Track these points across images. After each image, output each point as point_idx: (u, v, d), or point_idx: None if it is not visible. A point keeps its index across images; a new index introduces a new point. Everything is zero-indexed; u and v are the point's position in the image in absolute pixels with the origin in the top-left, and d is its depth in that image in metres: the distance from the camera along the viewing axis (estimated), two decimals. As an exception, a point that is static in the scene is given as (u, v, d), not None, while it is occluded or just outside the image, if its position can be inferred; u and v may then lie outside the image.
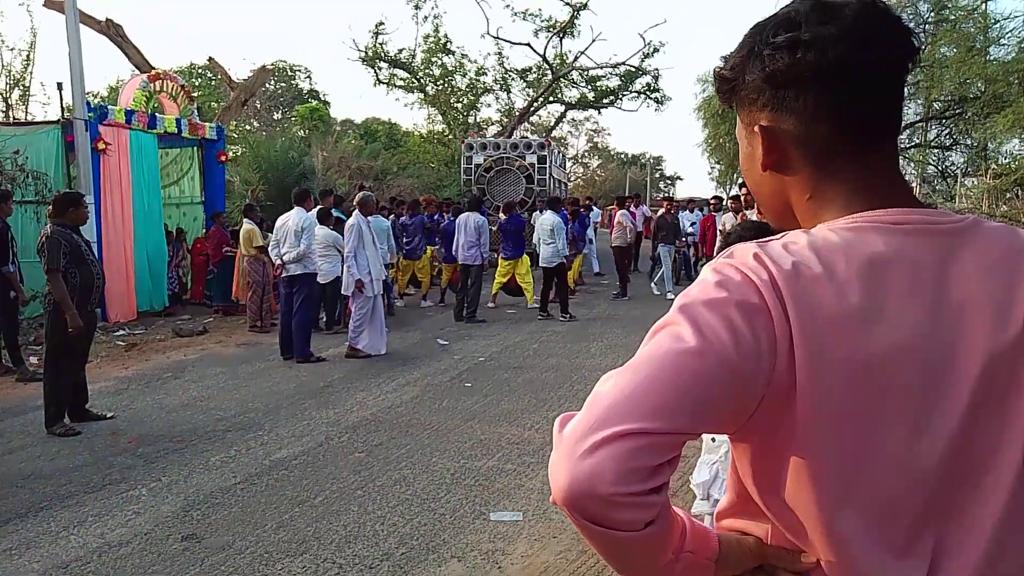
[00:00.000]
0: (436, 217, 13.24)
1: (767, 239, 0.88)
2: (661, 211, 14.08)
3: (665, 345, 0.82)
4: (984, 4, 18.93)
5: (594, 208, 18.44)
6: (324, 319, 9.92)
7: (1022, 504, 0.85)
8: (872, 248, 0.84)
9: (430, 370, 7.74)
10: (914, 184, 22.25)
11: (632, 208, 15.44)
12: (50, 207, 5.85)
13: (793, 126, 0.90)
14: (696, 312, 0.82)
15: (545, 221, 11.20)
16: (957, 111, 20.76)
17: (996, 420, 0.84)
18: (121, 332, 9.83)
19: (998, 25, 18.56)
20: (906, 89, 0.93)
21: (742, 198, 10.41)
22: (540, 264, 11.24)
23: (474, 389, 6.94)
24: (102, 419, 5.94)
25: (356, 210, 8.32)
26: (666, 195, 18.91)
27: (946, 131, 23.14)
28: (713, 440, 3.30)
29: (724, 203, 13.73)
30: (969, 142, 22.09)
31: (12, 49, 17.71)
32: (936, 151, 23.75)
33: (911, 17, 19.51)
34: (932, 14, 19.66)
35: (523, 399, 6.57)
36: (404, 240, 12.11)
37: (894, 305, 0.82)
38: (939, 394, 0.82)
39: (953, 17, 18.94)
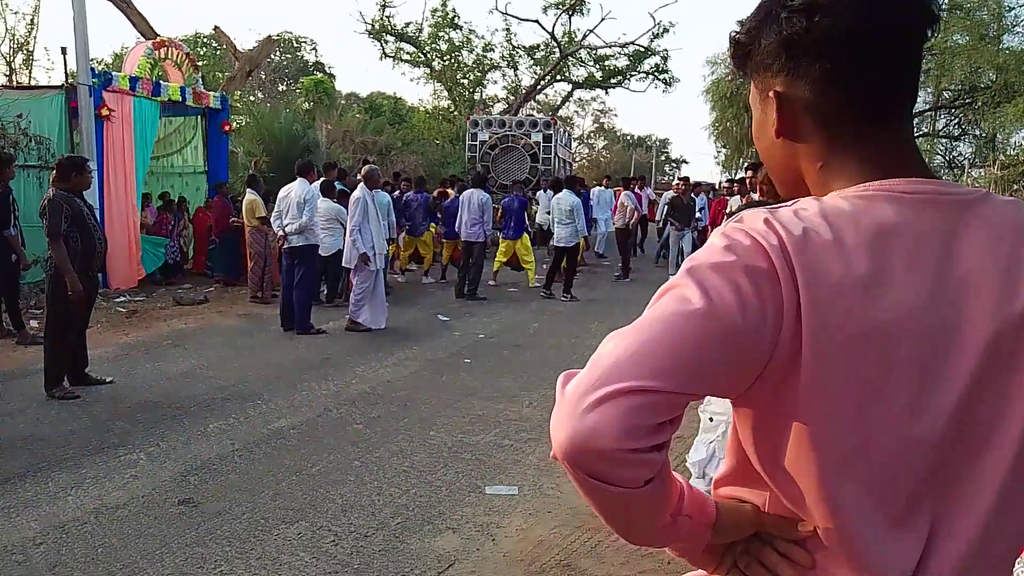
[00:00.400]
0: (442, 202, 13.11)
1: (778, 205, 0.88)
2: (671, 193, 14.05)
3: (670, 306, 0.82)
4: (999, -9, 18.72)
5: (606, 190, 17.88)
6: (325, 292, 9.92)
7: (1021, 482, 0.85)
8: (881, 217, 0.83)
9: (430, 346, 7.75)
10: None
11: (636, 190, 15.42)
12: (54, 172, 5.83)
13: (807, 93, 0.89)
14: (703, 275, 0.82)
15: (563, 201, 11.12)
16: (967, 100, 20.62)
17: (998, 396, 0.84)
18: (122, 299, 9.84)
19: (1012, 13, 18.39)
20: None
21: (747, 181, 10.38)
22: (555, 244, 11.15)
23: (474, 366, 6.95)
24: (101, 384, 5.96)
25: (361, 183, 8.28)
26: (681, 176, 17.77)
27: (955, 120, 23.01)
28: (711, 420, 3.31)
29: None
30: (978, 132, 21.97)
31: (16, 13, 17.52)
32: (944, 140, 23.62)
33: (924, 3, 19.33)
34: (946, 1, 19.46)
35: (522, 377, 6.58)
36: (407, 216, 12.07)
37: (899, 275, 0.81)
38: (941, 367, 0.82)
39: (966, 4, 18.74)
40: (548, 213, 14.47)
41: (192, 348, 7.42)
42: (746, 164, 9.43)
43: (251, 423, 5.20)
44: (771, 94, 0.92)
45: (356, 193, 8.24)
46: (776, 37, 0.89)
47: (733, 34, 0.96)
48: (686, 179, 14.49)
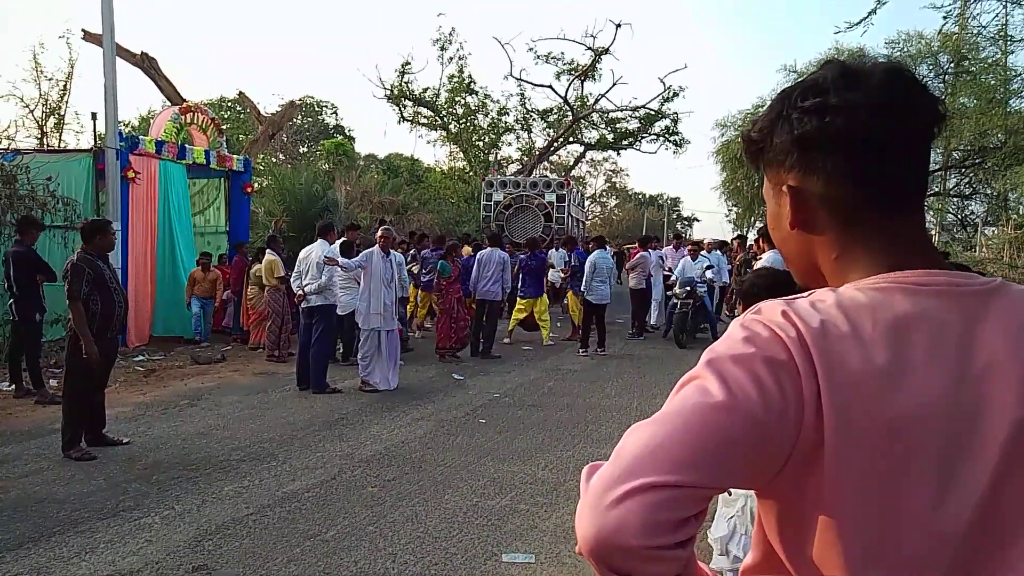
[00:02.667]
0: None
1: (794, 296, 0.89)
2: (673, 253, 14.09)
3: (692, 399, 0.82)
4: (1005, 57, 18.98)
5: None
6: (341, 351, 9.93)
7: None
8: (898, 309, 0.84)
9: (444, 405, 7.70)
10: (933, 233, 22.16)
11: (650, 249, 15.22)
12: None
13: (820, 187, 0.91)
14: (723, 367, 0.82)
15: (604, 260, 11.24)
16: (977, 161, 20.70)
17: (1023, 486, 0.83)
18: (140, 357, 9.88)
19: (1019, 78, 18.57)
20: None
21: (758, 243, 10.40)
22: (594, 302, 11.08)
23: (488, 426, 6.88)
24: (118, 444, 5.94)
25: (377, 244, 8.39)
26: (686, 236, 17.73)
27: (965, 180, 23.06)
28: (729, 493, 3.23)
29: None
30: (989, 191, 21.98)
31: (51, 79, 18.03)
32: (955, 200, 23.63)
33: (931, 68, 19.61)
34: (952, 65, 19.73)
35: (537, 437, 6.50)
36: (423, 272, 12.14)
37: (919, 367, 0.82)
38: (964, 458, 0.82)
39: (974, 68, 18.99)
40: (561, 272, 14.54)
41: (208, 407, 7.40)
42: (758, 228, 9.52)
43: (266, 485, 5.13)
44: (784, 188, 0.94)
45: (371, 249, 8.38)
46: (788, 136, 0.92)
47: (746, 132, 0.99)
48: (677, 237, 14.88)
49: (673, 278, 12.36)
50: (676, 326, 11.85)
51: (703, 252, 13.41)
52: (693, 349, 11.35)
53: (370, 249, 8.35)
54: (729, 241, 16.90)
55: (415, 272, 11.93)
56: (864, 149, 0.88)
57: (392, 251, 8.74)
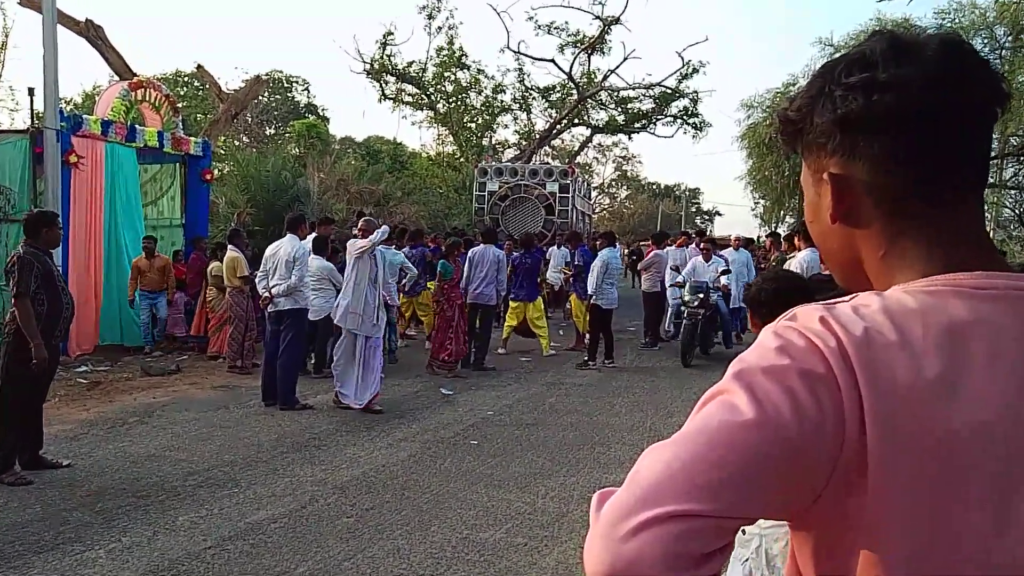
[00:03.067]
0: (436, 248, 13.28)
1: (835, 300, 0.88)
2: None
3: (717, 416, 0.82)
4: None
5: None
6: (313, 361, 9.92)
7: None
8: (952, 315, 0.84)
9: (431, 424, 7.69)
10: (987, 230, 22.16)
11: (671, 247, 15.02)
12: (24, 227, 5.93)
13: (866, 174, 0.91)
14: (753, 380, 0.82)
15: (616, 259, 11.30)
16: (1037, 148, 20.77)
17: None
18: (83, 368, 9.86)
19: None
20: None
21: (795, 239, 10.43)
22: (604, 307, 11.07)
23: (481, 448, 6.88)
24: (57, 467, 5.92)
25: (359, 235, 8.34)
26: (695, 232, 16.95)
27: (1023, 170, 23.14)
28: (743, 532, 3.23)
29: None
30: (1051, 183, 22.05)
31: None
32: (1012, 192, 23.71)
33: (986, 41, 19.66)
34: (1009, 38, 19.79)
35: (536, 461, 6.50)
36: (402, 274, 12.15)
37: (976, 379, 0.81)
38: None
39: (1033, 43, 19.05)
40: (560, 271, 14.57)
41: (161, 425, 7.39)
42: (790, 224, 9.40)
43: (226, 515, 5.13)
44: (825, 176, 0.94)
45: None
46: (831, 115, 0.91)
47: (782, 111, 0.99)
48: (688, 234, 14.62)
49: (679, 279, 12.02)
50: (683, 341, 11.31)
51: (719, 252, 12.97)
52: (714, 364, 11.37)
53: (353, 240, 8.33)
54: (758, 238, 16.87)
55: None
56: (916, 131, 0.87)
57: (390, 248, 8.75)
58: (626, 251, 25.27)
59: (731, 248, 13.56)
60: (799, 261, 8.55)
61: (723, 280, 11.88)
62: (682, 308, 11.67)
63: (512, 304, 11.98)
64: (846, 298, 0.89)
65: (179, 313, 11.81)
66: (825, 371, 0.81)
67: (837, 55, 0.96)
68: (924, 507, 0.81)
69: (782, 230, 20.83)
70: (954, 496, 0.81)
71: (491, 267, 10.75)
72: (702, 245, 12.78)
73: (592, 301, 10.99)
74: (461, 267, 10.72)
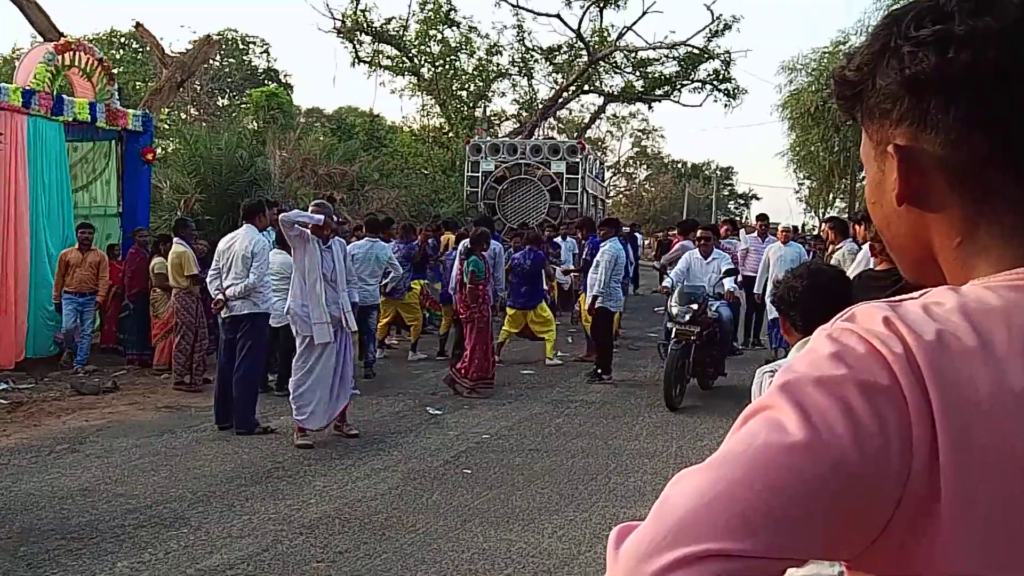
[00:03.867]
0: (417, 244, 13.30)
1: (901, 298, 0.88)
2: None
3: (761, 436, 0.81)
4: None
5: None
6: (276, 376, 9.91)
7: None
8: None
9: (416, 450, 7.69)
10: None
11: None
12: None
13: (940, 147, 0.90)
14: (803, 393, 0.82)
15: (621, 253, 11.40)
16: None
17: None
18: (3, 386, 9.85)
19: None
20: None
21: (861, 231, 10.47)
22: (613, 309, 11.22)
23: (475, 478, 6.88)
24: (-28, 505, 5.91)
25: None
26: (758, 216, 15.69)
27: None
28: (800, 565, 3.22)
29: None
30: None
31: None
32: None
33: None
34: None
35: (541, 494, 6.50)
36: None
37: None
38: None
39: None
40: (571, 270, 14.57)
41: (96, 453, 7.37)
42: (860, 215, 8.99)
43: (173, 560, 5.12)
44: (890, 148, 0.94)
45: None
46: (897, 76, 0.91)
47: (838, 71, 0.99)
48: (763, 217, 14.16)
49: (664, 285, 11.03)
50: (667, 373, 9.44)
51: (722, 244, 12.32)
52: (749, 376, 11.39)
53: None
54: (803, 226, 16.83)
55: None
56: (999, 94, 0.87)
57: (377, 240, 8.58)
58: (651, 243, 25.18)
59: (778, 242, 12.70)
60: (847, 254, 8.55)
61: (727, 284, 10.50)
62: (668, 325, 10.03)
63: (509, 312, 11.97)
64: (914, 295, 0.88)
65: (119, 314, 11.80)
66: (889, 382, 0.80)
67: (902, 4, 0.95)
68: (1010, 546, 0.80)
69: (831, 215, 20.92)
70: None
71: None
72: (699, 237, 11.20)
73: (598, 304, 10.87)
74: (489, 265, 10.74)
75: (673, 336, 9.56)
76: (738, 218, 45.49)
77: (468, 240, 10.94)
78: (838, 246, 10.27)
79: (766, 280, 11.69)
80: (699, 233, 11.29)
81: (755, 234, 13.06)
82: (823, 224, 14.49)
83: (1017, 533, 0.80)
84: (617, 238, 11.49)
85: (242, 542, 5.42)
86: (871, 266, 6.43)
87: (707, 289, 10.15)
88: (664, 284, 11.08)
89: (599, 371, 11.11)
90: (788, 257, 11.74)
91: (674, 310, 9.79)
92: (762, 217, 14.60)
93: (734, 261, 12.00)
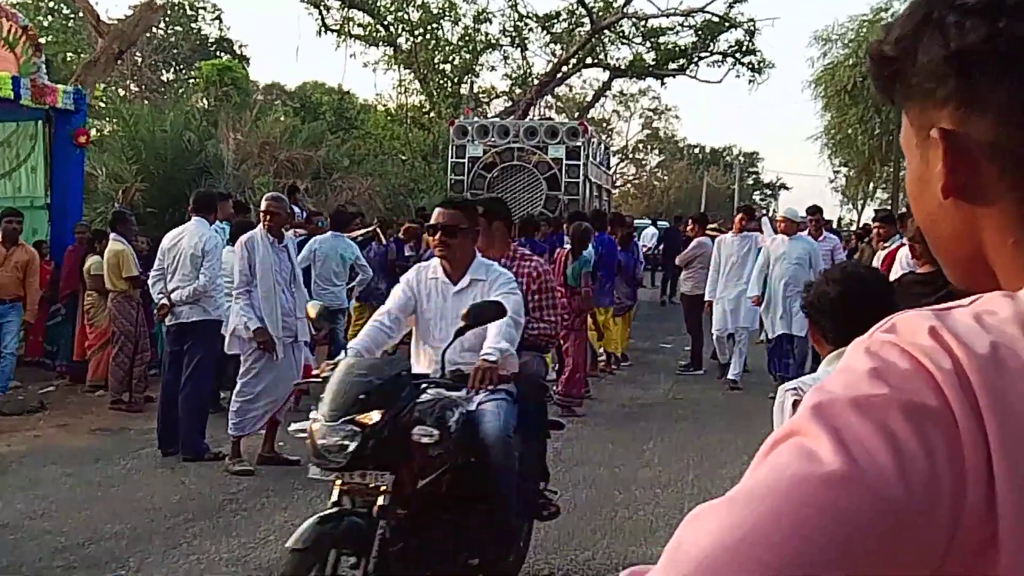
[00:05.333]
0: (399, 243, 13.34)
1: (948, 305, 0.88)
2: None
3: (791, 467, 0.81)
4: None
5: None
6: (229, 393, 9.89)
7: None
8: None
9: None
10: None
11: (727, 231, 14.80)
12: None
13: (992, 131, 0.91)
14: (839, 417, 0.81)
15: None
16: None
17: None
18: (-90, 406, 9.81)
19: None
20: None
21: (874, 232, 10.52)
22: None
23: (461, 512, 6.87)
24: None
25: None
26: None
27: None
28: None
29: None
30: None
31: None
32: None
33: None
34: None
35: (539, 530, 6.44)
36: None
37: None
38: None
39: None
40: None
41: (19, 485, 7.35)
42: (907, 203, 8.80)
43: (109, 607, 5.11)
44: (934, 133, 0.94)
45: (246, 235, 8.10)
46: (941, 51, 0.92)
47: (874, 47, 1.00)
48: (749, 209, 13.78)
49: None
50: None
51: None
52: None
53: (249, 233, 8.15)
54: (839, 220, 16.83)
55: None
56: None
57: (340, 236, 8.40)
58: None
59: (781, 235, 11.63)
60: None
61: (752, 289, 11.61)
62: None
63: None
64: (963, 302, 0.88)
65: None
66: (938, 404, 0.80)
67: None
68: None
69: (871, 209, 20.94)
70: None
71: None
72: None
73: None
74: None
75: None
76: (762, 208, 45.66)
77: (571, 239, 11.36)
78: (886, 244, 10.25)
79: (766, 283, 11.50)
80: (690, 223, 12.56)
81: (806, 232, 12.12)
82: (874, 223, 13.80)
83: None
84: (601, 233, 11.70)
85: (189, 587, 5.41)
86: (912, 269, 6.44)
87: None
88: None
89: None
90: (793, 255, 11.24)
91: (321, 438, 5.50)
92: (814, 210, 12.90)
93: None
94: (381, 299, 12.26)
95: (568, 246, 12.05)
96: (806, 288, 3.22)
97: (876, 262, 10.49)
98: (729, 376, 12.08)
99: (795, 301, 10.09)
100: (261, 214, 8.22)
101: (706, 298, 12.55)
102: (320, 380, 4.74)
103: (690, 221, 15.18)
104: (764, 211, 53.55)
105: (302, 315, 8.08)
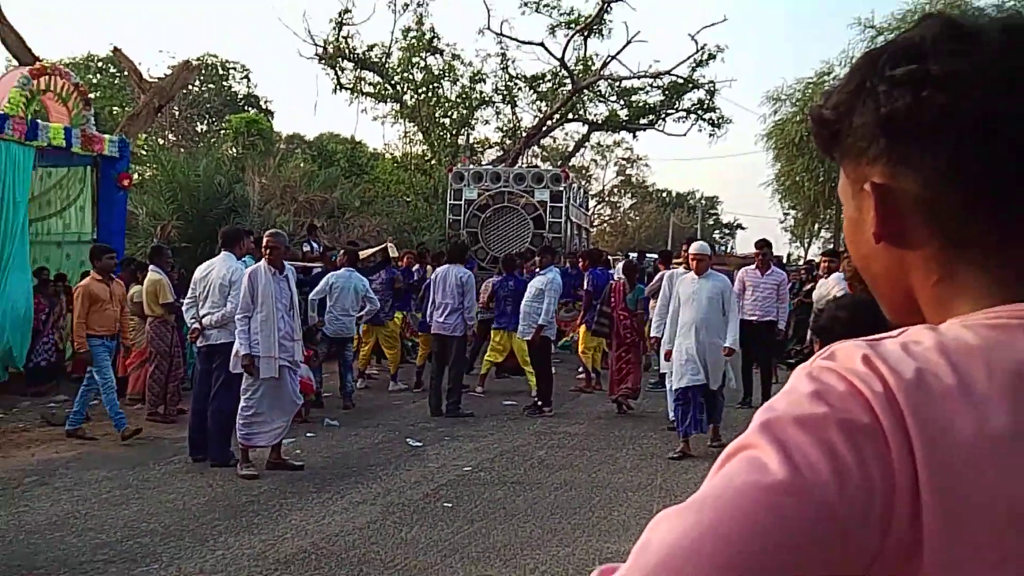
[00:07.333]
0: (406, 270, 13.43)
1: (880, 336, 0.88)
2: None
3: (741, 477, 0.81)
4: None
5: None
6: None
7: None
8: (1021, 354, 0.83)
9: (396, 483, 7.65)
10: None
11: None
12: None
13: (916, 186, 0.91)
14: (785, 432, 0.81)
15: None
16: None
17: None
18: (-30, 416, 9.74)
19: None
20: None
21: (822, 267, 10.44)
22: (552, 337, 11.50)
23: (456, 512, 6.84)
24: (-64, 540, 5.83)
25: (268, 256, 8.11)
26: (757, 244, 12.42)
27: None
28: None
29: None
30: None
31: None
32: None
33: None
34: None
35: (524, 528, 6.47)
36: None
37: None
38: None
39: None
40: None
41: (65, 487, 7.30)
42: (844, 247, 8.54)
43: (143, 597, 5.06)
44: (867, 186, 0.94)
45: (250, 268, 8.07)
46: (873, 116, 0.92)
47: (816, 110, 1.00)
48: (763, 243, 11.79)
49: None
50: None
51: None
52: (745, 412, 11.37)
53: (254, 266, 8.10)
54: (788, 256, 16.90)
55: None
56: (975, 136, 0.87)
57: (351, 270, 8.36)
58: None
59: (691, 273, 9.14)
60: (830, 284, 8.56)
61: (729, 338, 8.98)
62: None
63: (495, 335, 11.97)
64: (893, 333, 0.88)
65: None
66: (870, 421, 0.80)
67: (883, 39, 0.97)
68: None
69: (816, 246, 20.98)
70: None
71: (454, 291, 10.73)
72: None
73: (544, 333, 11.06)
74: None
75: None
76: (720, 244, 45.63)
77: (625, 273, 11.84)
78: (827, 277, 10.30)
79: (665, 325, 9.32)
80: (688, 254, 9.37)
81: (754, 266, 11.50)
82: (823, 258, 13.65)
83: (1003, 575, 0.80)
84: (552, 267, 11.69)
85: (215, 578, 5.37)
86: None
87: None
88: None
89: (540, 403, 11.10)
90: (704, 294, 8.86)
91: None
92: (763, 244, 11.80)
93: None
94: (386, 321, 12.38)
95: (619, 277, 12.29)
96: (816, 315, 3.18)
97: (821, 289, 10.56)
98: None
99: (712, 350, 8.71)
100: (263, 248, 8.17)
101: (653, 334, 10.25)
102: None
103: (658, 255, 15.29)
104: (723, 247, 53.58)
105: (298, 338, 8.14)
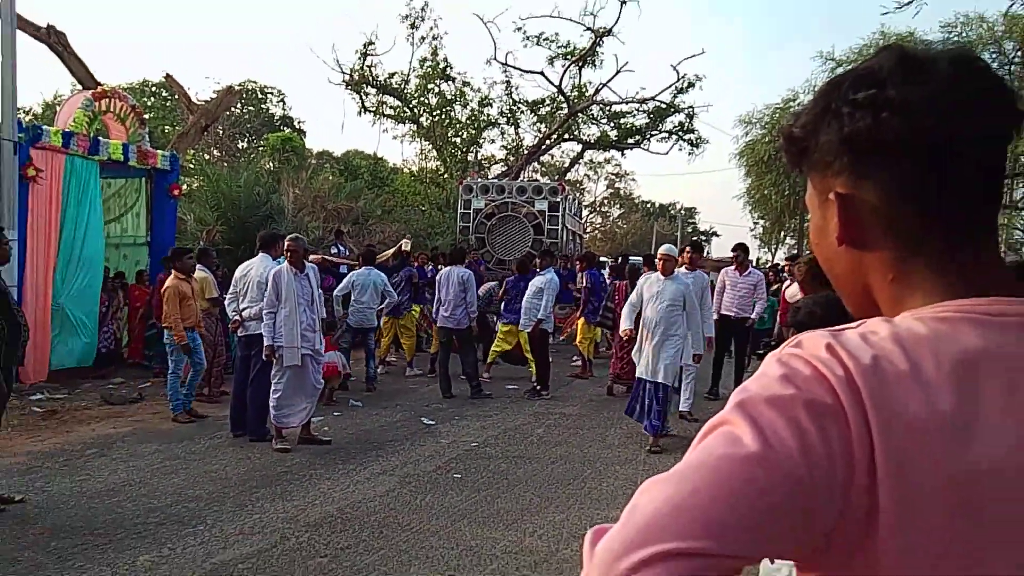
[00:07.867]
0: (421, 269, 13.46)
1: (841, 327, 0.89)
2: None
3: (719, 449, 0.82)
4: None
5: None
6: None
7: None
8: (965, 343, 0.84)
9: (411, 457, 7.65)
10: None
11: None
12: None
13: (875, 197, 0.92)
14: (757, 411, 0.82)
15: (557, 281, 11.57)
16: (1049, 168, 21.03)
17: None
18: (39, 396, 9.74)
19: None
20: None
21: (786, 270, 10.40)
22: (550, 330, 11.47)
23: (464, 482, 6.84)
24: (9, 503, 5.82)
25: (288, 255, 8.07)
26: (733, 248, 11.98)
27: (1036, 189, 23.43)
28: (772, 562, 3.20)
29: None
30: (1063, 204, 22.31)
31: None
32: None
33: (995, 56, 19.97)
34: (1019, 53, 20.09)
35: (524, 496, 6.46)
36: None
37: (993, 413, 0.81)
38: None
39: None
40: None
41: (121, 458, 7.31)
42: (808, 253, 8.38)
43: (191, 554, 5.05)
44: (832, 196, 0.95)
45: (274, 268, 8.03)
46: (837, 134, 0.92)
47: (786, 128, 1.00)
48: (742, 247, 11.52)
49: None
50: None
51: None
52: (719, 399, 11.34)
53: (278, 267, 8.03)
54: (758, 260, 16.87)
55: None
56: (925, 157, 0.88)
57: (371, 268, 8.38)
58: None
59: (656, 273, 8.70)
60: (795, 289, 8.53)
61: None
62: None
63: (503, 327, 11.96)
64: (852, 324, 0.89)
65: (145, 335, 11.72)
66: (832, 402, 0.80)
67: (843, 70, 0.98)
68: (939, 555, 0.80)
69: (782, 252, 20.90)
70: (975, 543, 0.80)
71: (456, 289, 10.74)
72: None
73: (542, 326, 11.08)
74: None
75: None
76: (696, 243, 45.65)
77: (628, 274, 11.77)
78: (791, 283, 10.28)
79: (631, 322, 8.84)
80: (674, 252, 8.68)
81: (733, 267, 11.33)
82: (787, 262, 13.65)
83: (951, 546, 0.80)
84: (550, 268, 11.65)
85: (253, 539, 5.36)
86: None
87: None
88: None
89: (538, 387, 11.09)
90: (667, 295, 8.30)
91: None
92: (739, 247, 11.52)
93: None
94: (404, 313, 12.38)
95: (620, 280, 12.41)
96: (794, 310, 3.17)
97: (793, 287, 10.51)
98: (681, 408, 9.67)
99: (667, 348, 8.22)
100: (285, 251, 8.11)
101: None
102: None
103: (643, 259, 15.26)
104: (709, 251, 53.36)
105: (319, 329, 8.13)
